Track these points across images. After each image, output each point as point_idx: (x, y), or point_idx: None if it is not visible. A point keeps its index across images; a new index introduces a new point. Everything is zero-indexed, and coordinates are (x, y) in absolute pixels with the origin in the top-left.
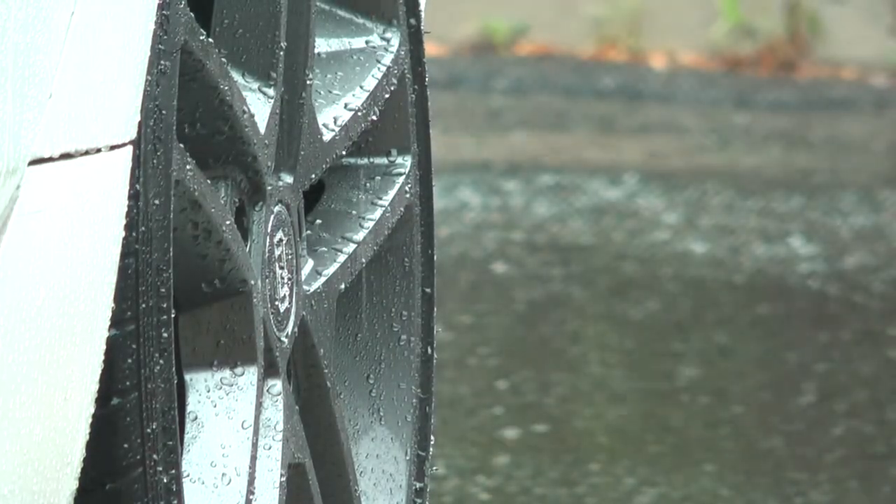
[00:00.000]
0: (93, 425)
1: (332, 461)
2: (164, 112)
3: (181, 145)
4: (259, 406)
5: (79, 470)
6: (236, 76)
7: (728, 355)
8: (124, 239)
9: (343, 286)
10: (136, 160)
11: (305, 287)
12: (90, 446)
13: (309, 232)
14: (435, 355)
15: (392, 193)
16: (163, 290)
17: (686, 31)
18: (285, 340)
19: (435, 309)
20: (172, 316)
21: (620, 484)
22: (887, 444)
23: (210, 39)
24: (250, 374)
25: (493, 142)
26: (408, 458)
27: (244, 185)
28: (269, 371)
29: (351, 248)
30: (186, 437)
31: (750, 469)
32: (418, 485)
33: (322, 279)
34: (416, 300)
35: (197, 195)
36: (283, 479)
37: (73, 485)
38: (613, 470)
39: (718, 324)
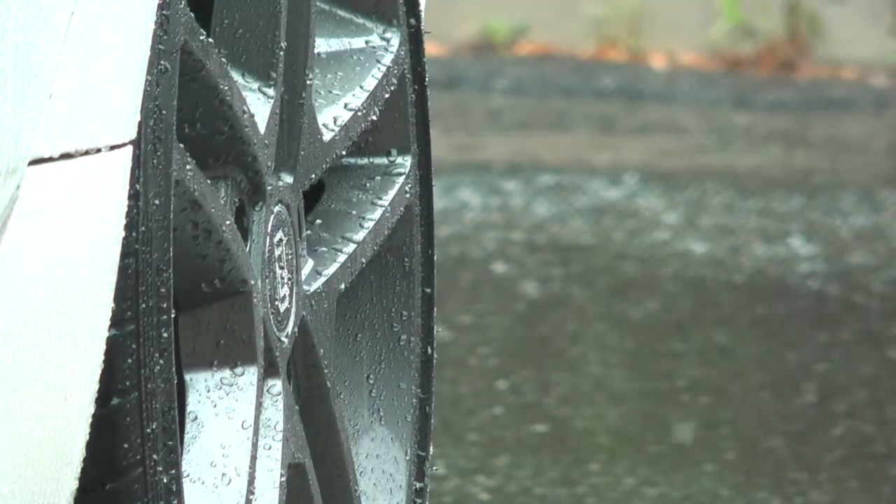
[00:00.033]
0: (93, 425)
1: (332, 461)
2: (164, 112)
3: (181, 145)
4: (259, 406)
5: (79, 470)
6: (236, 76)
7: (728, 355)
8: (124, 239)
9: (343, 286)
10: (136, 160)
11: (305, 287)
12: (90, 446)
13: (309, 232)
14: (435, 355)
15: (392, 193)
16: (163, 290)
17: (686, 31)
18: (285, 340)
19: (435, 309)
20: (172, 316)
21: (620, 484)
22: (887, 444)
23: (210, 39)
24: (250, 374)
25: (493, 142)
26: (408, 458)
27: (244, 185)
28: (269, 371)
29: (351, 248)
30: (186, 437)
31: (750, 469)
32: (418, 485)
33: (322, 279)
34: (416, 300)
35: (197, 195)
36: (283, 479)
37: (73, 485)
38: (613, 470)
39: (718, 324)
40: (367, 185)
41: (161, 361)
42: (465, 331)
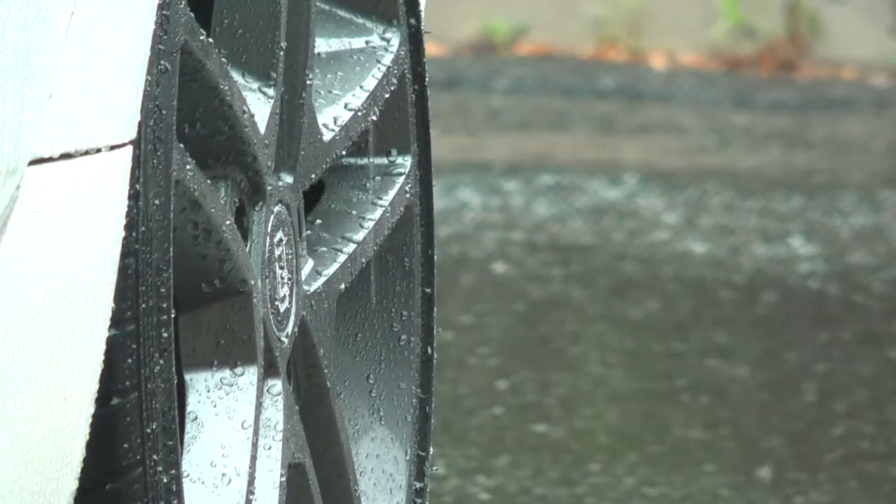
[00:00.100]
0: (93, 425)
1: (332, 461)
2: (164, 112)
3: (181, 145)
4: (259, 406)
5: (79, 470)
6: (236, 76)
7: (728, 355)
8: (124, 239)
9: (343, 286)
10: (136, 160)
11: (305, 287)
12: (90, 446)
13: (309, 232)
14: (435, 355)
15: (392, 193)
16: (163, 290)
17: (686, 31)
18: (285, 340)
19: (435, 309)
20: (172, 316)
21: (620, 484)
22: (887, 444)
23: (210, 39)
24: (250, 374)
25: (493, 142)
26: (408, 458)
27: (244, 185)
28: (269, 371)
29: (351, 248)
30: (186, 437)
31: (750, 469)
32: (418, 485)
33: (322, 279)
34: (416, 300)
35: (197, 195)
36: (283, 479)
37: (73, 485)
38: (613, 470)
39: (718, 324)
40: (367, 185)
41: (161, 361)
42: (465, 331)
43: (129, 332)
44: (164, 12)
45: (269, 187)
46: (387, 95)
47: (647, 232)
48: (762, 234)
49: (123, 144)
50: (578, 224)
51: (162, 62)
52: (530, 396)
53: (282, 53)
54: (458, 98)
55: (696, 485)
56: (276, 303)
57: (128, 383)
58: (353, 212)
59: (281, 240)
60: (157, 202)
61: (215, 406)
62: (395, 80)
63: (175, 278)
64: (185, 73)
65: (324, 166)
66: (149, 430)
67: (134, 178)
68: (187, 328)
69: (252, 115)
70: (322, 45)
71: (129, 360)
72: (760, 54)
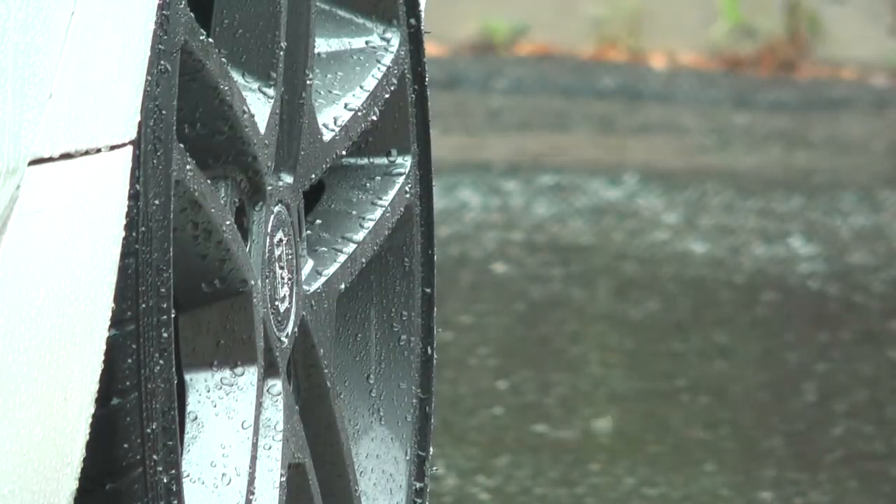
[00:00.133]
0: (93, 425)
1: (332, 461)
2: (164, 112)
3: (181, 145)
4: (259, 406)
5: (79, 470)
6: (236, 76)
7: (728, 355)
8: (124, 239)
9: (343, 286)
10: (136, 160)
11: (305, 287)
12: (90, 446)
13: (309, 232)
14: (435, 355)
15: (392, 193)
16: (163, 290)
17: (686, 31)
18: (285, 340)
19: (435, 309)
20: (172, 316)
21: (620, 484)
22: (887, 444)
23: (210, 39)
24: (250, 374)
25: (493, 142)
26: (408, 458)
27: (244, 185)
28: (269, 371)
29: (351, 248)
30: (186, 437)
31: (750, 469)
32: (418, 485)
33: (322, 279)
34: (416, 300)
35: (197, 195)
36: (283, 479)
37: (73, 485)
38: (613, 470)
39: (718, 324)
40: (367, 185)
41: (161, 361)
42: (465, 331)
43: (129, 332)
44: (164, 12)
45: (269, 187)
46: (387, 95)
47: (647, 232)
48: (762, 234)
49: (123, 144)
50: (578, 224)
51: (162, 62)
52: (530, 396)
53: (282, 53)
54: (458, 98)
55: (696, 485)
56: (276, 303)
57: (128, 383)
58: (353, 212)
59: (281, 240)
60: (157, 202)
61: (215, 406)
62: (395, 80)
63: (175, 278)
64: (185, 73)
65: (324, 166)
66: (149, 430)
67: (134, 178)
68: (187, 328)
69: (252, 115)
70: (322, 45)
71: (129, 360)
72: (760, 54)
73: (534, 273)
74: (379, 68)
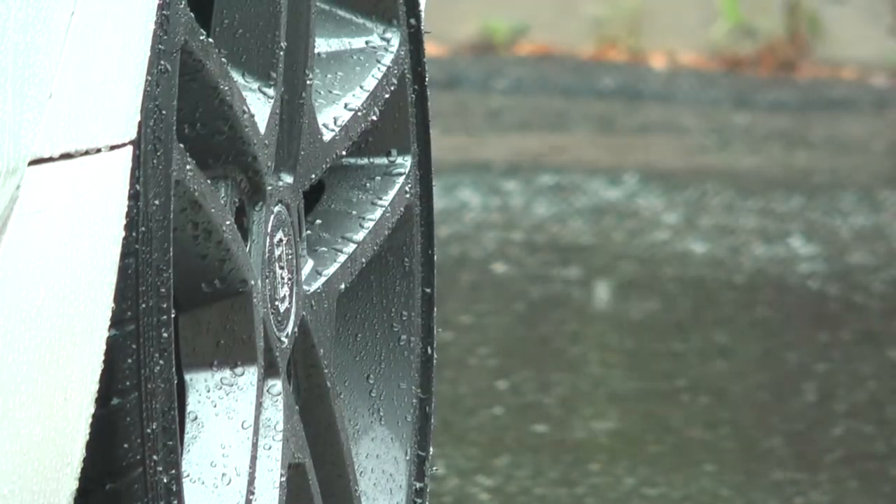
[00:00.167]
0: (93, 425)
1: (332, 461)
2: (164, 112)
3: (181, 145)
4: (259, 406)
5: (79, 470)
6: (236, 76)
7: (728, 355)
8: (124, 239)
9: (343, 286)
10: (136, 160)
11: (305, 287)
12: (90, 446)
13: (309, 232)
14: (435, 355)
15: (392, 193)
16: (163, 290)
17: (686, 31)
18: (285, 340)
19: (435, 309)
20: (172, 316)
21: (620, 484)
22: (887, 444)
23: (210, 39)
24: (250, 374)
25: (493, 142)
26: (408, 458)
27: (244, 185)
28: (269, 371)
29: (351, 248)
30: (186, 437)
31: (750, 469)
32: (418, 485)
33: (322, 279)
34: (416, 300)
35: (197, 195)
36: (283, 479)
37: (73, 485)
38: (613, 470)
39: (718, 324)
40: (367, 185)
41: (161, 361)
42: (465, 331)
43: (129, 332)
44: (164, 12)
45: (269, 187)
46: (387, 95)
47: (647, 232)
48: (762, 234)
49: (123, 144)
50: (578, 224)
51: (162, 62)
52: (530, 396)
53: (282, 53)
54: (458, 98)
55: (696, 485)
56: (276, 303)
57: (128, 383)
58: (353, 212)
59: (281, 240)
60: (157, 202)
61: (215, 406)
62: (395, 80)
63: (175, 278)
64: (185, 73)
65: (324, 166)
66: (149, 430)
67: (134, 178)
68: (187, 328)
69: (252, 115)
70: (322, 45)
71: (129, 360)
72: (760, 54)
73: (534, 273)
74: (379, 68)
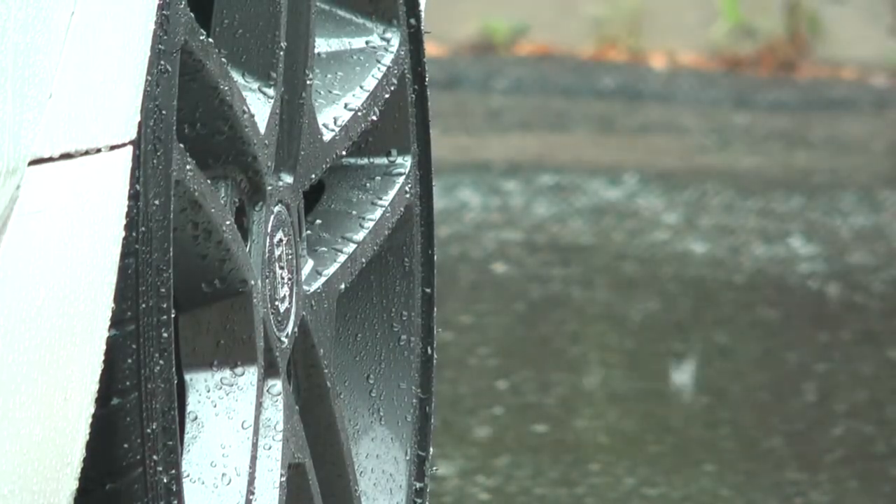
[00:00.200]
0: (93, 425)
1: (332, 461)
2: (164, 112)
3: (181, 145)
4: (259, 406)
5: (79, 470)
6: (236, 76)
7: (728, 355)
8: (124, 239)
9: (343, 286)
10: (136, 160)
11: (305, 287)
12: (90, 446)
13: (309, 232)
14: (435, 355)
15: (392, 193)
16: (163, 290)
17: (686, 31)
18: (285, 340)
19: (435, 309)
20: (172, 316)
21: (620, 484)
22: (887, 444)
23: (210, 39)
24: (250, 374)
25: (493, 142)
26: (408, 458)
27: (244, 185)
28: (269, 371)
29: (351, 248)
30: (186, 437)
31: (750, 469)
32: (418, 485)
33: (322, 279)
34: (416, 300)
35: (197, 195)
36: (283, 479)
37: (73, 485)
38: (613, 470)
39: (718, 324)
40: (367, 185)
41: (161, 361)
42: (465, 331)
43: (129, 332)
44: (164, 12)
45: (269, 187)
46: (387, 95)
47: (647, 232)
48: (762, 234)
49: (123, 144)
50: (578, 224)
51: (162, 62)
52: (530, 396)
53: (282, 53)
54: (458, 98)
55: (696, 485)
56: (276, 303)
57: (128, 383)
58: (353, 212)
59: (281, 240)
60: (157, 202)
61: (215, 406)
62: (395, 80)
63: (175, 278)
64: (185, 73)
65: (324, 166)
66: (149, 430)
67: (134, 178)
68: (187, 328)
69: (252, 115)
70: (322, 45)
71: (129, 360)
72: (760, 54)
73: (534, 273)
74: (379, 68)
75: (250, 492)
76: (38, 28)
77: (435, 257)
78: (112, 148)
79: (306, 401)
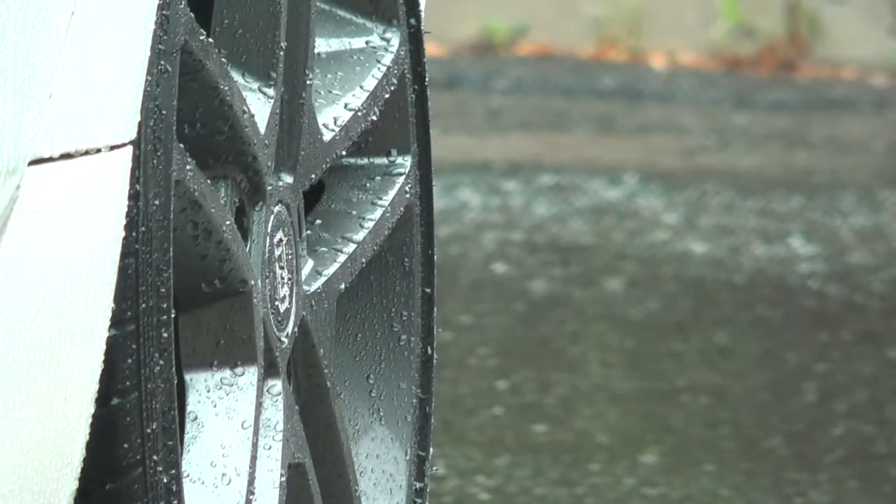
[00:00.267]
0: (93, 425)
1: (332, 461)
2: (164, 112)
3: (181, 145)
4: (259, 406)
5: (79, 470)
6: (236, 76)
7: (728, 355)
8: (124, 239)
9: (343, 286)
10: (136, 160)
11: (305, 287)
12: (90, 446)
13: (309, 232)
14: (435, 355)
15: (392, 193)
16: (163, 290)
17: (686, 31)
18: (285, 340)
19: (435, 309)
20: (172, 316)
21: (620, 484)
22: (887, 444)
23: (210, 39)
24: (250, 374)
25: (493, 142)
26: (408, 458)
27: (244, 185)
28: (269, 371)
29: (351, 248)
30: (186, 437)
31: (750, 469)
32: (418, 485)
33: (322, 279)
34: (416, 300)
35: (197, 195)
36: (283, 479)
37: (73, 485)
38: (613, 470)
39: (718, 324)
40: (367, 185)
41: (161, 361)
42: (465, 331)
43: (129, 332)
44: (164, 12)
45: (269, 187)
46: (387, 95)
47: (647, 232)
48: (762, 234)
49: (123, 144)
50: (578, 224)
51: (162, 62)
52: (530, 396)
53: (282, 53)
54: (458, 98)
55: (696, 485)
56: (276, 303)
57: (128, 383)
58: (353, 212)
59: (281, 240)
60: (157, 202)
61: (215, 406)
62: (395, 80)
63: (175, 278)
64: (185, 73)
65: (324, 166)
66: (149, 430)
67: (134, 178)
68: (187, 328)
69: (252, 115)
70: (322, 45)
71: (129, 360)
72: (760, 54)
73: (534, 273)
74: (379, 68)
75: (250, 492)
76: (38, 28)
77: (435, 257)
78: (112, 148)
79: (306, 401)
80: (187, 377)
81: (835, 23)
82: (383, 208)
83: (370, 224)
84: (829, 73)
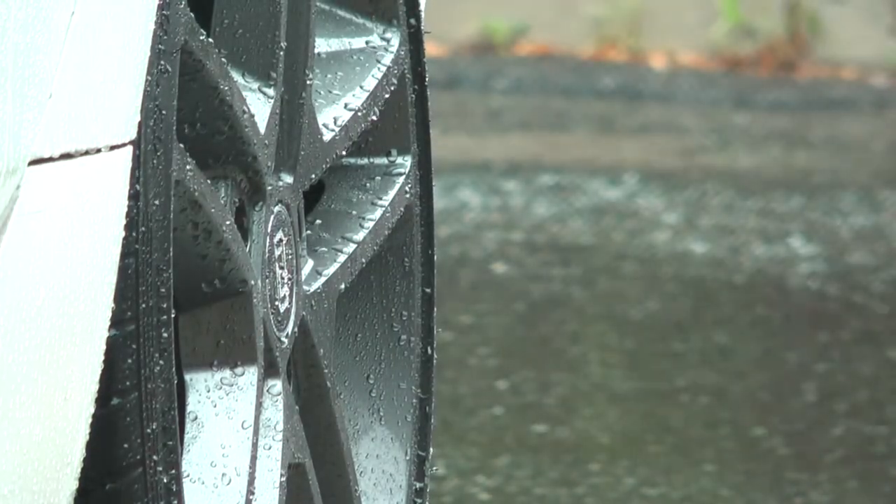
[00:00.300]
0: (93, 425)
1: (332, 461)
2: (164, 112)
3: (181, 145)
4: (259, 406)
5: (79, 470)
6: (236, 76)
7: (728, 355)
8: (124, 239)
9: (343, 286)
10: (136, 160)
11: (305, 287)
12: (90, 446)
13: (309, 232)
14: (435, 355)
15: (392, 193)
16: (163, 290)
17: (686, 31)
18: (285, 340)
19: (435, 309)
20: (172, 316)
21: (620, 484)
22: (887, 444)
23: (210, 39)
24: (250, 374)
25: (493, 142)
26: (408, 458)
27: (244, 185)
28: (269, 371)
29: (351, 248)
30: (186, 437)
31: (750, 469)
32: (418, 485)
33: (322, 279)
34: (416, 300)
35: (197, 195)
36: (283, 479)
37: (73, 485)
38: (613, 470)
39: (718, 324)
40: (367, 185)
41: (161, 361)
42: (465, 331)
43: (129, 332)
44: (164, 12)
45: (269, 187)
46: (387, 95)
47: (647, 232)
48: (762, 234)
49: (123, 144)
50: (578, 224)
51: (162, 62)
52: (530, 396)
53: (282, 53)
54: (458, 98)
55: (696, 485)
56: (276, 303)
57: (128, 383)
58: (353, 212)
59: (281, 240)
60: (157, 202)
61: (215, 406)
62: (395, 80)
63: (175, 278)
64: (185, 73)
65: (324, 166)
66: (149, 430)
67: (134, 178)
68: (187, 328)
69: (252, 115)
70: (322, 45)
71: (129, 360)
72: (760, 54)
73: (534, 273)
74: (379, 68)
75: (250, 492)
76: (38, 28)
77: (435, 257)
78: (112, 148)
79: (306, 401)
80: (187, 377)
81: (835, 23)
82: (383, 208)
83: (370, 224)
84: (829, 73)
